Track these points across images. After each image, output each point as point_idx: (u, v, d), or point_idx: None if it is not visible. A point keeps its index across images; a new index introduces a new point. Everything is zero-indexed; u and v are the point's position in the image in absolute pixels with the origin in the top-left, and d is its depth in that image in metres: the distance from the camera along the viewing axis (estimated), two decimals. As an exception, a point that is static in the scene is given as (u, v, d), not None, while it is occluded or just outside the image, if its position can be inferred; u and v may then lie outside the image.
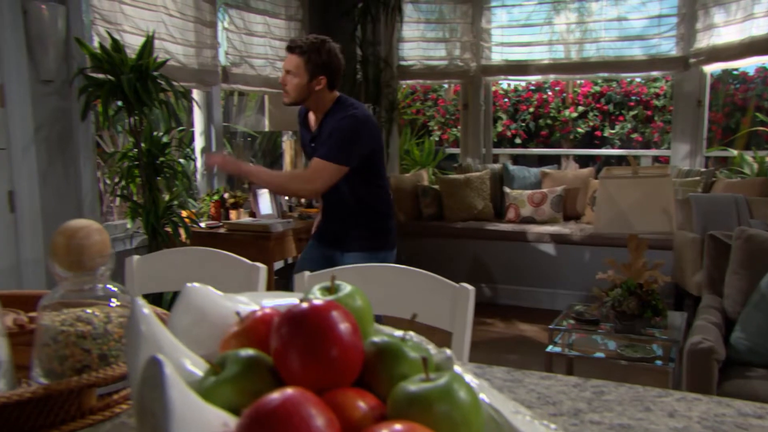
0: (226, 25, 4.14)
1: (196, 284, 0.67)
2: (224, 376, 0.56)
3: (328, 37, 2.60)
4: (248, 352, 0.59)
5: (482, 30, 5.20)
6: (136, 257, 1.50)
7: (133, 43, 3.26)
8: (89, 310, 0.75)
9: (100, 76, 3.02)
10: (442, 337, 1.11)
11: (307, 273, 1.43)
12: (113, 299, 0.76)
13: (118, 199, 3.52)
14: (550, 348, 2.83)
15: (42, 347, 0.74)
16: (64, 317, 0.75)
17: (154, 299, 2.99)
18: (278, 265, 4.07)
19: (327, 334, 0.55)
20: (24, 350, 0.78)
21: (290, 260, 4.01)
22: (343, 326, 0.56)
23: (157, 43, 3.30)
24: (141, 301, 0.60)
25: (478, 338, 4.05)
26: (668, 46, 4.80)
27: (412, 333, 0.63)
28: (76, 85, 3.05)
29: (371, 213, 2.65)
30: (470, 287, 1.25)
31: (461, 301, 1.25)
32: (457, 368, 0.60)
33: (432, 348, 0.65)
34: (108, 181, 3.48)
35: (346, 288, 0.65)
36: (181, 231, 3.21)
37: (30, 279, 2.89)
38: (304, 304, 0.57)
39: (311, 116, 2.67)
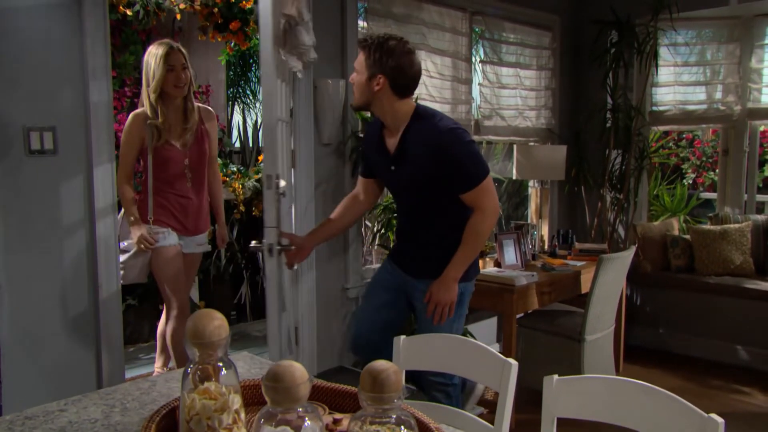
0: (480, 80, 4.40)
1: None
2: None
3: (403, 37, 2.39)
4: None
5: (751, 70, 4.82)
6: (403, 338, 1.77)
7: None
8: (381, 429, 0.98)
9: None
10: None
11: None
12: (403, 426, 0.99)
13: (376, 245, 3.93)
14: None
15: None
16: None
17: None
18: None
19: None
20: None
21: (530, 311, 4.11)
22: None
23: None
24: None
25: (732, 409, 3.77)
26: None
27: None
28: (348, 146, 3.51)
29: (457, 238, 2.45)
30: (719, 419, 1.26)
31: None
32: None
33: None
34: (368, 224, 3.90)
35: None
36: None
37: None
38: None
39: (386, 134, 2.47)
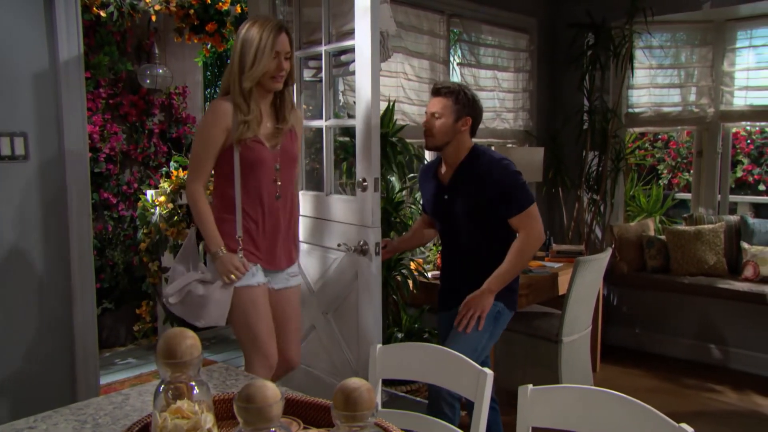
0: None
1: None
2: None
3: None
4: None
5: (723, 73, 4.89)
6: (379, 346, 1.77)
7: (376, 108, 3.64)
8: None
9: (346, 139, 3.44)
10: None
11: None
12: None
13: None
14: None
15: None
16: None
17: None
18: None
19: None
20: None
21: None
22: None
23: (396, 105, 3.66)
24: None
25: (705, 408, 3.83)
26: None
27: None
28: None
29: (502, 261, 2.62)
30: (689, 429, 1.28)
31: None
32: None
33: None
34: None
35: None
36: (410, 282, 3.51)
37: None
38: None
39: (442, 168, 2.74)
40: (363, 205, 2.66)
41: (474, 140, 2.75)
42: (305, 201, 3.06)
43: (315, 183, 3.40)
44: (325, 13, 2.89)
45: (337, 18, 2.89)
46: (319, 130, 3.05)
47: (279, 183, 2.48)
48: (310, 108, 3.43)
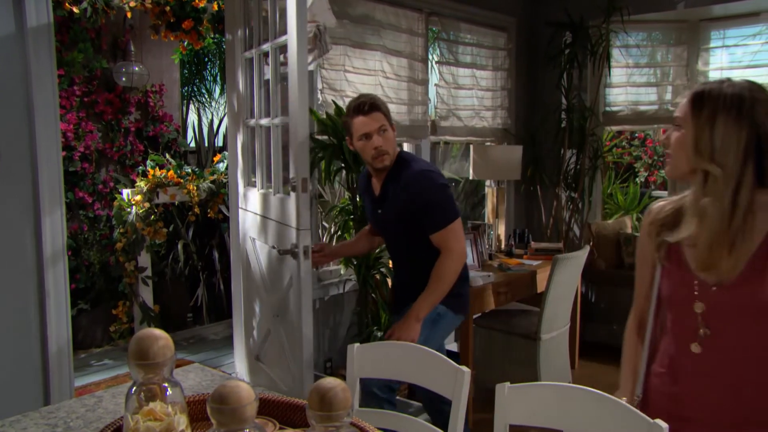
0: (436, 81, 4.41)
1: None
2: None
3: None
4: None
5: (698, 72, 4.95)
6: (356, 345, 1.76)
7: (355, 106, 3.62)
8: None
9: (325, 138, 3.42)
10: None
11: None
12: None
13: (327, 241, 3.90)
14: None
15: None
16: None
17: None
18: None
19: None
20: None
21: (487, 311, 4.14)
22: None
23: (374, 106, 3.65)
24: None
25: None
26: None
27: None
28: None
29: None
30: (663, 424, 1.29)
31: None
32: None
33: None
34: (326, 225, 3.88)
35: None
36: (389, 280, 3.50)
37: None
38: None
39: (374, 181, 2.66)
40: (293, 207, 2.57)
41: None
42: (255, 198, 3.10)
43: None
44: (271, 7, 2.83)
45: (285, 12, 2.84)
46: (268, 129, 3.01)
47: None
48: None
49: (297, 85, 2.49)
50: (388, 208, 2.58)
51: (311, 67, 3.06)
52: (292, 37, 2.50)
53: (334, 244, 3.52)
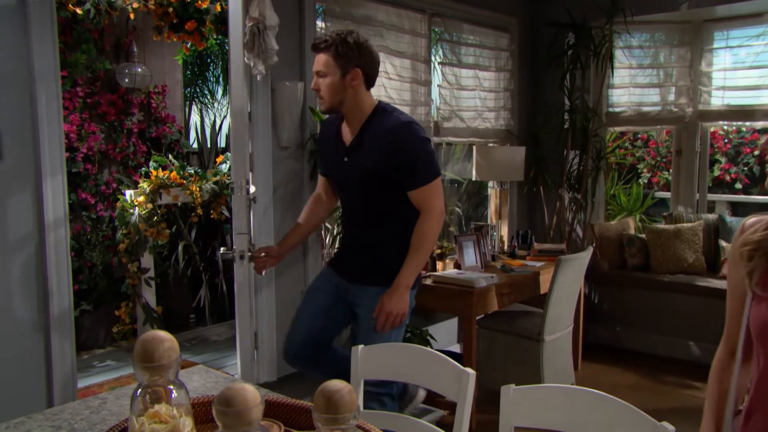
0: (439, 82, 4.41)
1: None
2: None
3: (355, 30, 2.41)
4: None
5: (701, 73, 4.94)
6: (360, 347, 1.75)
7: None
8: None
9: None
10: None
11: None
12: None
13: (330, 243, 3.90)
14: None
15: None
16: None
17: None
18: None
19: None
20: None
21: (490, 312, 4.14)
22: None
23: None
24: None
25: (684, 404, 3.86)
26: None
27: None
28: (307, 149, 3.48)
29: (404, 242, 2.40)
30: (670, 427, 1.27)
31: None
32: None
33: None
34: (328, 226, 3.88)
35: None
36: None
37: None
38: None
39: (345, 128, 2.45)
40: (238, 210, 2.49)
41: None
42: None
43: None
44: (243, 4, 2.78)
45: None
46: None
47: None
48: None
49: (235, 82, 2.42)
50: (363, 157, 2.37)
51: (260, 70, 2.91)
52: (232, 36, 2.44)
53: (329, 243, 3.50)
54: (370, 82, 2.39)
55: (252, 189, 2.58)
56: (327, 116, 2.64)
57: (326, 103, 2.39)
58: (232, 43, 2.46)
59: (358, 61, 2.32)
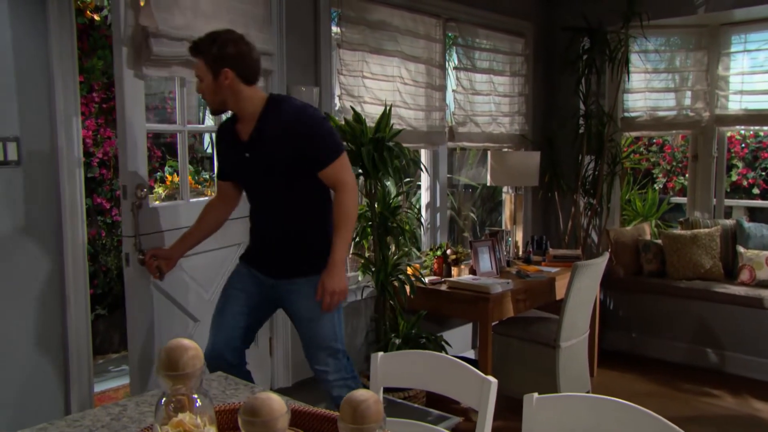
0: (453, 87, 4.40)
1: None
2: None
3: (228, 28, 2.41)
4: None
5: (718, 77, 4.90)
6: (380, 354, 1.74)
7: (373, 112, 3.61)
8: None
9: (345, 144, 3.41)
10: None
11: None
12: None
13: (350, 254, 3.89)
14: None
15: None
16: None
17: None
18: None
19: None
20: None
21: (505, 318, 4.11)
22: None
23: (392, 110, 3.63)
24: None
25: (702, 412, 3.82)
26: None
27: None
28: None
29: (324, 227, 2.46)
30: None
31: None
32: None
33: None
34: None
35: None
36: (407, 287, 3.48)
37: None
38: None
39: (240, 127, 2.44)
40: (123, 214, 2.58)
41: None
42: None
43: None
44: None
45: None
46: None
47: None
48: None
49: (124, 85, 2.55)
50: (265, 149, 2.38)
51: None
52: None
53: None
54: (248, 79, 2.38)
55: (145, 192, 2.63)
56: (222, 120, 2.68)
57: (209, 104, 2.45)
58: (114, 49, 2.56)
59: (227, 62, 2.32)
